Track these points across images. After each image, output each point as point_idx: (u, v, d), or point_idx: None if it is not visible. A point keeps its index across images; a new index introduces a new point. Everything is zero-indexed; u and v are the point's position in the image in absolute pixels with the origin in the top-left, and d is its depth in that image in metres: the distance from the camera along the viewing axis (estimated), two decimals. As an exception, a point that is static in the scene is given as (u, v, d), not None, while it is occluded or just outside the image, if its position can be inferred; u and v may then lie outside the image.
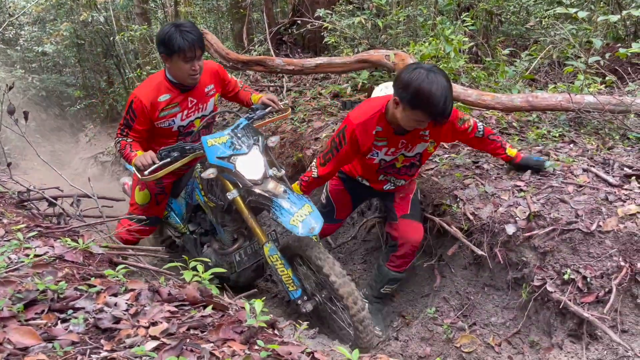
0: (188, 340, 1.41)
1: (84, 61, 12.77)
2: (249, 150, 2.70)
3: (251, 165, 2.69)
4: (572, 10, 3.75)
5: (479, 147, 3.09)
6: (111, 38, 11.41)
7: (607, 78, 4.29)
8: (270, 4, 6.64)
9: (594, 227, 2.56)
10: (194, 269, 1.88)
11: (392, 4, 5.60)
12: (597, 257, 2.50)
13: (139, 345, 1.32)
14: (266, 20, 6.65)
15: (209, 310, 1.61)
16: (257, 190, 2.66)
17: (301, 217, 2.51)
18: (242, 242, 3.17)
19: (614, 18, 3.72)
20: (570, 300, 2.48)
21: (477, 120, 2.92)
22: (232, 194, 2.74)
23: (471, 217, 2.94)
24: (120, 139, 2.94)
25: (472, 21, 5.47)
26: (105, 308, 1.56)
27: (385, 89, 4.10)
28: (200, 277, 1.81)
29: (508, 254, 2.81)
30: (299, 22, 6.41)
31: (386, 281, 3.07)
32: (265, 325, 1.54)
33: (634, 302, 2.35)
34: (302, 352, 1.41)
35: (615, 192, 2.69)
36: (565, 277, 2.52)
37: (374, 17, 5.43)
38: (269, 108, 3.12)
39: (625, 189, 2.70)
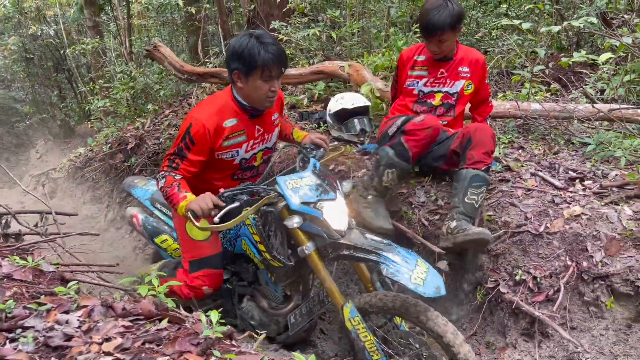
0: (143, 354, 1.39)
1: (33, 75, 12.42)
2: (336, 196, 2.28)
3: (337, 213, 2.24)
4: (516, 22, 3.90)
5: (473, 110, 3.36)
6: (62, 52, 11.14)
7: (552, 86, 4.48)
8: (225, 17, 6.64)
9: (542, 228, 2.66)
10: (150, 282, 1.86)
11: (346, 17, 5.70)
12: (545, 257, 2.60)
13: (91, 362, 1.29)
14: (221, 32, 6.64)
15: (164, 323, 1.59)
16: (354, 242, 2.17)
17: (421, 274, 2.03)
18: (297, 301, 2.68)
19: (556, 29, 3.90)
20: (522, 301, 2.56)
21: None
22: (308, 248, 2.23)
23: (426, 223, 3.01)
24: (167, 172, 2.33)
25: (424, 33, 5.62)
26: (56, 326, 1.52)
27: (341, 100, 4.16)
28: (155, 290, 1.79)
29: (464, 258, 2.88)
30: (254, 34, 6.41)
31: (469, 184, 2.75)
32: (222, 336, 1.53)
33: (582, 300, 2.45)
34: (260, 361, 1.42)
35: (561, 194, 2.81)
36: (517, 278, 2.61)
37: (328, 29, 5.51)
38: (322, 149, 2.65)
39: (570, 192, 2.82)
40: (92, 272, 2.28)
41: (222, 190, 2.13)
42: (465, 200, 2.72)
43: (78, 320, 1.58)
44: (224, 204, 2.08)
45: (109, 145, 6.15)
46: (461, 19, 2.88)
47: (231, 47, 2.31)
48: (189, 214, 2.06)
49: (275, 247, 2.39)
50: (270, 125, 2.62)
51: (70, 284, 1.81)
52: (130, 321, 1.62)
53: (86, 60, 11.21)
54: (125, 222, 3.51)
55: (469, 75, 3.09)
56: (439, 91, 3.11)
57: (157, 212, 3.12)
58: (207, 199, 2.07)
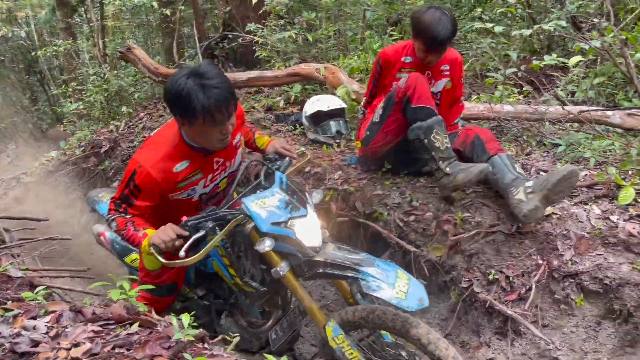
0: (113, 359, 1.37)
1: (3, 78, 12.15)
2: (307, 211, 2.15)
3: (309, 229, 2.11)
4: (489, 25, 3.96)
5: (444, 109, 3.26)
6: (34, 54, 10.93)
7: (524, 88, 4.55)
8: (200, 19, 6.60)
9: (514, 228, 2.70)
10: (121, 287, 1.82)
11: (322, 19, 5.71)
12: (518, 256, 2.64)
13: (58, 368, 1.27)
14: (197, 34, 6.60)
15: (135, 327, 1.57)
16: (330, 259, 2.05)
17: (403, 287, 1.95)
18: (277, 315, 2.55)
19: (527, 32, 3.97)
20: (495, 300, 2.59)
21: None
22: (282, 269, 2.08)
23: (401, 224, 3.03)
24: (116, 215, 2.16)
25: (400, 35, 5.67)
26: (23, 332, 1.48)
27: (317, 102, 4.18)
28: (126, 294, 1.76)
29: (439, 259, 2.90)
30: (229, 36, 6.40)
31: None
32: (194, 339, 1.52)
33: (552, 298, 2.49)
34: (232, 364, 1.40)
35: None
36: (490, 277, 2.64)
37: (304, 31, 5.52)
38: (287, 159, 2.48)
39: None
40: (62, 277, 2.22)
41: (184, 218, 1.97)
42: (517, 172, 2.73)
43: (46, 325, 1.54)
44: (187, 234, 1.94)
45: (82, 148, 6.04)
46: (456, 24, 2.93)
47: (168, 87, 2.00)
48: (152, 250, 1.91)
49: (247, 269, 2.28)
50: (232, 150, 2.36)
51: (37, 289, 1.78)
52: (101, 326, 1.59)
53: (59, 62, 11.03)
54: (93, 235, 3.33)
55: (448, 72, 3.13)
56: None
57: None
58: (168, 231, 1.92)
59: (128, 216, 2.14)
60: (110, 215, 2.18)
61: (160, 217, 2.18)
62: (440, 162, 2.82)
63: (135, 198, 2.13)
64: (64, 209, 6.16)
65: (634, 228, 2.47)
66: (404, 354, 2.16)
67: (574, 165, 2.56)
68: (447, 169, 2.81)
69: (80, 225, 5.76)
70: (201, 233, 1.95)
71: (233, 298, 2.61)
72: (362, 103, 3.42)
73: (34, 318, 1.59)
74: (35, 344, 1.42)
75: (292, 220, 2.07)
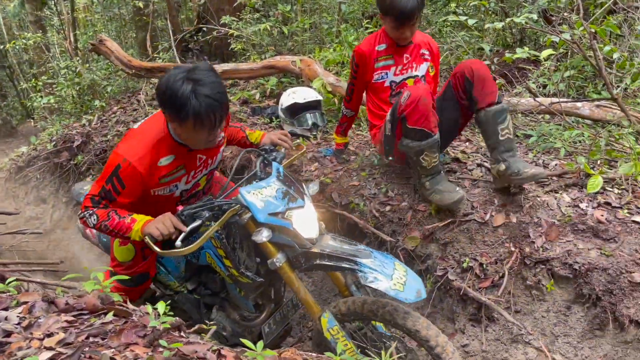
0: (87, 348, 1.36)
1: (-29, 72, 11.84)
2: (305, 202, 2.14)
3: (307, 220, 2.10)
4: (463, 18, 4.01)
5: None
6: (2, 48, 10.66)
7: (497, 81, 4.62)
8: (174, 12, 6.52)
9: (487, 217, 2.75)
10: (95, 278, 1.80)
11: (297, 12, 5.70)
12: (491, 244, 2.68)
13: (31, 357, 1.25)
14: (171, 27, 6.52)
15: (110, 317, 1.56)
16: (327, 250, 2.04)
17: (401, 278, 1.95)
18: (269, 309, 2.53)
19: (499, 25, 4.03)
20: (469, 287, 2.64)
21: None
22: (279, 260, 2.07)
23: (377, 214, 3.05)
24: (94, 209, 2.07)
25: (376, 28, 5.70)
26: (-6, 323, 1.46)
27: (292, 94, 4.18)
28: (100, 285, 1.74)
29: (415, 249, 2.94)
30: (204, 29, 6.34)
31: (496, 122, 2.70)
32: (169, 327, 1.51)
33: (524, 284, 2.54)
34: (209, 350, 1.40)
35: (505, 184, 2.91)
36: (464, 265, 2.69)
37: (280, 24, 5.50)
38: (284, 150, 2.50)
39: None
40: (35, 270, 2.19)
41: (180, 208, 1.98)
42: (500, 138, 2.68)
43: (18, 316, 1.52)
44: (185, 228, 1.92)
45: (54, 143, 5.92)
46: None
47: (162, 85, 1.96)
48: (147, 239, 1.90)
49: (242, 260, 2.26)
50: (215, 148, 2.35)
51: (8, 280, 1.75)
52: (74, 316, 1.58)
53: (28, 56, 10.77)
54: (77, 229, 3.25)
55: (429, 57, 3.10)
56: (410, 76, 3.07)
57: None
58: (167, 223, 1.91)
59: (109, 207, 2.08)
60: (86, 211, 2.09)
61: (138, 212, 2.13)
62: (422, 177, 2.84)
63: (117, 194, 2.07)
64: (36, 205, 6.05)
65: (602, 215, 2.54)
66: (399, 345, 2.17)
67: (541, 170, 2.58)
68: (427, 184, 2.83)
69: (53, 221, 5.67)
70: (197, 223, 1.93)
71: (224, 292, 2.59)
72: (342, 105, 3.38)
73: (6, 309, 1.56)
74: (7, 334, 1.40)
75: (290, 211, 2.06)
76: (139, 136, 2.13)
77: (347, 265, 1.99)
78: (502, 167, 2.66)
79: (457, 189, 2.75)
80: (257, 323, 2.49)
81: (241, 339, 1.47)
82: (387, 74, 3.06)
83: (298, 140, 2.76)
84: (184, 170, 2.23)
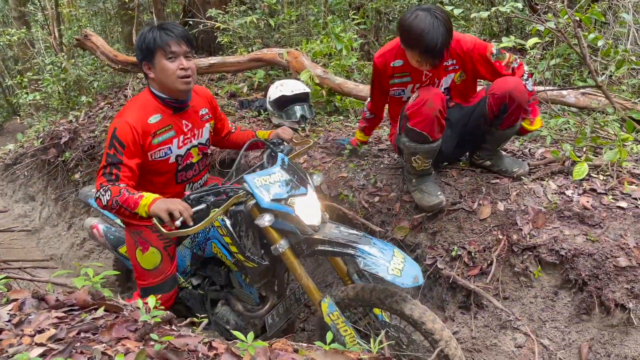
0: (78, 343, 1.36)
1: (-46, 70, 11.69)
2: (307, 190, 2.21)
3: (309, 207, 2.18)
4: (448, 8, 4.02)
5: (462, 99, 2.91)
6: (-15, 44, 10.51)
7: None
8: (159, 5, 6.47)
9: (475, 205, 2.78)
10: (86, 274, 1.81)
11: (283, 4, 5.68)
12: (479, 232, 2.71)
13: (22, 353, 1.26)
14: (156, 21, 6.47)
15: (100, 312, 1.56)
16: (328, 237, 2.12)
17: (399, 264, 2.01)
18: (273, 301, 2.57)
19: (485, 14, 4.05)
20: (458, 275, 2.67)
21: (526, 69, 2.69)
22: (282, 245, 2.16)
23: (366, 205, 3.07)
24: (109, 185, 2.16)
25: (363, 19, 5.69)
26: (-16, 321, 1.46)
27: (280, 87, 4.17)
28: (91, 280, 1.75)
29: (404, 238, 2.96)
30: (190, 22, 6.30)
31: (504, 140, 2.82)
32: (160, 321, 1.52)
33: (512, 271, 2.58)
34: (200, 342, 1.41)
35: (490, 172, 2.94)
36: (453, 253, 2.71)
37: (266, 16, 5.48)
38: (290, 144, 2.63)
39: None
40: (25, 268, 2.18)
41: (187, 192, 2.08)
42: (498, 149, 2.89)
43: (8, 313, 1.52)
44: (192, 210, 1.99)
45: (41, 140, 5.87)
46: (451, 25, 2.51)
47: (137, 41, 2.33)
48: (155, 220, 1.97)
49: (247, 247, 2.31)
50: (199, 120, 2.55)
51: (-2, 277, 1.75)
52: (65, 312, 1.58)
53: (13, 52, 10.63)
54: (85, 232, 3.29)
55: (457, 67, 2.74)
56: None
57: (119, 221, 2.96)
58: (177, 205, 1.97)
59: (122, 184, 2.18)
60: (101, 188, 2.17)
61: (145, 188, 2.30)
62: (409, 175, 2.88)
63: (121, 156, 2.21)
64: (24, 203, 6.01)
65: (588, 201, 2.57)
66: (397, 333, 2.23)
67: (526, 167, 2.85)
68: (414, 181, 2.87)
69: (42, 218, 5.64)
70: (202, 206, 2.03)
71: (229, 287, 2.64)
72: (366, 102, 3.23)
73: (-5, 307, 1.56)
74: (-2, 332, 1.40)
75: (292, 198, 2.14)
76: (128, 105, 2.39)
77: (347, 251, 2.06)
78: (488, 163, 2.90)
79: (439, 193, 2.79)
80: (261, 314, 2.53)
81: (232, 331, 1.48)
82: (403, 91, 2.84)
83: (307, 136, 2.81)
84: (173, 132, 2.40)
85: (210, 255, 2.52)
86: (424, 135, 2.61)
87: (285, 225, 2.16)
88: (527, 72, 2.67)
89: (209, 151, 2.71)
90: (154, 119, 2.33)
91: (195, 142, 2.53)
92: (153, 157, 2.36)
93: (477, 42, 2.67)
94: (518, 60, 2.67)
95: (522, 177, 2.82)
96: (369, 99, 3.17)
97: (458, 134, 2.87)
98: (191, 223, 1.97)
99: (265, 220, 2.08)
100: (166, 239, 2.50)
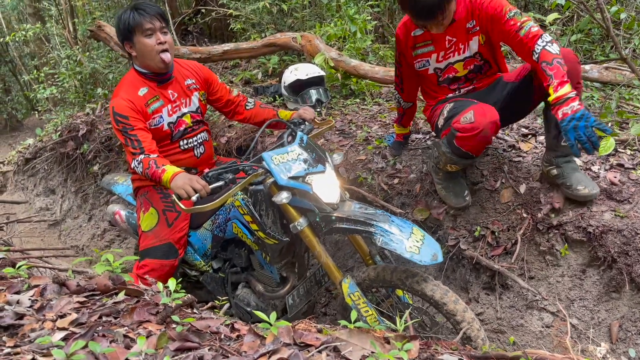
0: (100, 327, 1.35)
1: (-27, 69, 11.84)
2: (326, 168, 2.20)
3: (327, 185, 2.17)
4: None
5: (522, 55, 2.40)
6: (2, 41, 10.61)
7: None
8: (172, -6, 6.45)
9: (498, 184, 2.71)
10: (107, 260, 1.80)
11: (296, -12, 5.61)
12: (502, 212, 2.65)
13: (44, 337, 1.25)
14: (169, 10, 6.44)
15: (121, 296, 1.55)
16: (346, 215, 2.10)
17: (417, 242, 1.98)
18: (293, 282, 2.55)
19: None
20: (482, 256, 2.62)
21: (543, 32, 2.20)
22: (300, 224, 2.15)
23: (385, 187, 3.02)
24: (140, 159, 2.34)
25: (376, 2, 5.60)
26: (7, 306, 1.45)
27: (295, 71, 4.13)
28: (111, 266, 1.74)
29: (426, 220, 2.91)
30: (202, 11, 6.27)
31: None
32: (181, 303, 1.50)
33: (538, 250, 2.52)
34: (222, 324, 1.39)
35: (514, 150, 2.86)
36: (476, 234, 2.66)
37: (279, 1, 5.42)
38: (312, 123, 2.61)
39: (522, 147, 2.88)
40: (46, 257, 2.19)
41: (206, 170, 2.11)
42: (562, 143, 2.41)
43: (30, 299, 1.52)
44: (209, 187, 2.04)
45: (59, 133, 5.90)
46: None
47: (115, 25, 2.54)
48: (174, 197, 2.07)
49: (268, 225, 2.32)
50: (185, 90, 2.69)
51: (19, 264, 1.74)
52: (86, 297, 1.57)
53: (29, 48, 10.74)
54: (107, 218, 3.38)
55: (477, 28, 2.44)
56: (457, 60, 2.56)
57: None
58: (195, 183, 2.05)
59: (152, 155, 2.36)
60: (134, 163, 2.37)
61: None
62: (438, 169, 2.72)
63: (129, 125, 2.41)
64: (45, 196, 6.07)
65: (615, 177, 2.50)
66: (419, 315, 2.19)
67: (596, 190, 2.39)
68: (440, 175, 2.74)
69: (63, 211, 5.69)
70: (220, 183, 2.06)
71: (250, 268, 2.67)
72: (395, 93, 2.98)
73: (17, 293, 1.56)
74: (20, 316, 1.40)
75: (310, 175, 2.13)
76: (117, 87, 2.59)
77: (365, 228, 2.03)
78: (554, 172, 2.48)
79: (466, 194, 2.67)
80: (282, 294, 2.52)
81: (255, 311, 1.46)
82: (428, 61, 2.61)
83: (328, 117, 2.77)
84: (162, 101, 2.59)
85: (230, 236, 2.55)
86: (468, 155, 2.42)
87: (304, 203, 2.15)
88: (546, 39, 2.15)
89: (203, 118, 2.83)
90: (142, 91, 2.53)
91: (185, 110, 2.68)
92: (151, 125, 2.54)
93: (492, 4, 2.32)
94: (529, 25, 2.22)
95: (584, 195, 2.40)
96: (394, 85, 2.95)
97: (500, 109, 2.37)
98: (194, 197, 2.02)
99: (283, 197, 2.09)
100: (169, 203, 2.62)
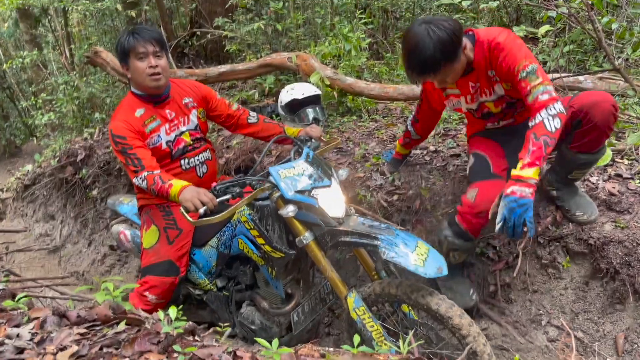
0: (101, 359, 1.34)
1: (-29, 97, 11.88)
2: (331, 183, 2.22)
3: (333, 200, 2.18)
4: (456, 0, 3.96)
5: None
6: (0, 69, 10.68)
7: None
8: (166, 18, 6.50)
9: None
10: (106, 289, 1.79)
11: (290, 8, 5.66)
12: (503, 225, 2.64)
13: (44, 372, 1.23)
14: (164, 34, 6.49)
15: (122, 326, 1.54)
16: (352, 228, 2.12)
17: (422, 256, 1.98)
18: (298, 298, 2.56)
19: (494, 4, 3.98)
20: (484, 271, 2.61)
21: (552, 101, 2.04)
22: (306, 238, 2.16)
23: (385, 204, 3.02)
24: (143, 176, 2.39)
25: (370, 19, 5.66)
26: (7, 340, 1.44)
27: (291, 90, 4.14)
28: (111, 294, 1.72)
29: (428, 236, 2.90)
30: (198, 33, 6.32)
31: (574, 166, 2.33)
32: (183, 332, 1.49)
33: (540, 263, 2.51)
34: (224, 352, 1.38)
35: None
36: (478, 250, 2.65)
37: (273, 22, 5.47)
38: (319, 141, 2.64)
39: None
40: (46, 286, 2.18)
41: (214, 184, 2.15)
42: (569, 177, 2.39)
43: (30, 332, 1.50)
44: (216, 200, 2.10)
45: (58, 159, 5.92)
46: (451, 44, 2.09)
47: (116, 45, 2.61)
48: (182, 210, 2.11)
49: (274, 239, 2.33)
50: (183, 108, 2.74)
51: (18, 296, 1.73)
52: (86, 328, 1.56)
53: (27, 75, 10.78)
54: (112, 238, 3.44)
55: (498, 78, 2.29)
56: (487, 101, 2.42)
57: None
58: (202, 196, 2.10)
59: (156, 171, 2.40)
60: (137, 181, 2.42)
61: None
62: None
63: (127, 144, 2.46)
64: (45, 222, 6.06)
65: (614, 187, 2.50)
66: (425, 331, 2.18)
67: (596, 214, 2.39)
68: (441, 280, 2.60)
69: (63, 236, 5.68)
70: (228, 196, 2.12)
71: (255, 286, 2.66)
72: (410, 119, 2.89)
73: (17, 326, 1.54)
74: (20, 351, 1.38)
75: (316, 189, 2.16)
76: (115, 110, 2.65)
77: (370, 242, 2.04)
78: (554, 193, 2.48)
79: (472, 292, 2.55)
80: (287, 311, 2.52)
81: (256, 338, 1.45)
82: (459, 102, 2.51)
83: (335, 136, 2.81)
84: (159, 121, 2.63)
85: (236, 252, 2.56)
86: (467, 235, 2.39)
87: (310, 217, 2.17)
88: (550, 112, 2.03)
89: (204, 136, 2.87)
90: (139, 112, 2.59)
91: (183, 128, 2.72)
92: (150, 145, 2.59)
93: (510, 52, 2.14)
94: (552, 92, 2.07)
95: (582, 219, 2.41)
96: (412, 116, 2.86)
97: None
98: (202, 210, 2.07)
99: (289, 210, 2.11)
100: (170, 221, 2.68)
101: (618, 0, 4.49)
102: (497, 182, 2.28)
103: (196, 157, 2.75)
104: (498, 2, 4.07)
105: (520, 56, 2.13)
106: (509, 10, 5.43)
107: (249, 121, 2.91)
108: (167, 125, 2.66)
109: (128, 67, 2.57)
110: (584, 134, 2.17)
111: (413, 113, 2.86)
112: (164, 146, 2.64)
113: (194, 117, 2.78)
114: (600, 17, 3.47)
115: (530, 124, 2.06)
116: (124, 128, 2.48)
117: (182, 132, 2.71)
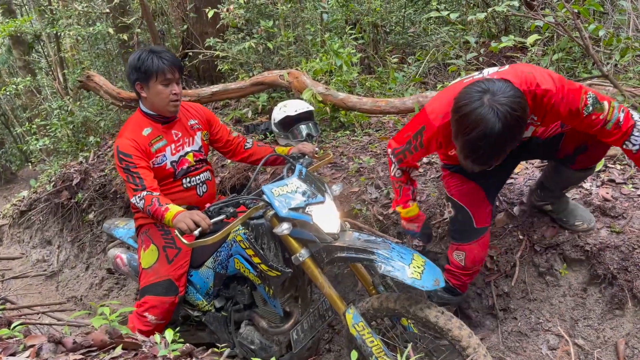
0: (98, 385, 1.33)
1: (-35, 124, 11.89)
2: (325, 199, 2.21)
3: (327, 216, 2.17)
4: (444, 13, 4.00)
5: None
6: (-7, 95, 10.70)
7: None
8: (158, 40, 6.54)
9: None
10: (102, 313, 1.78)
11: (280, 27, 5.71)
12: (499, 235, 2.65)
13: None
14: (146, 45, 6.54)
15: (118, 350, 1.53)
16: (347, 244, 2.10)
17: (418, 268, 1.95)
18: (297, 316, 2.54)
19: (481, 16, 4.02)
20: (482, 281, 2.60)
21: (636, 117, 1.92)
22: (302, 255, 2.15)
23: (380, 218, 3.02)
24: (142, 195, 2.39)
25: (360, 34, 5.71)
26: (2, 370, 1.43)
27: (284, 107, 4.17)
28: (108, 319, 1.71)
29: (424, 249, 2.90)
30: (190, 54, 6.36)
31: (573, 182, 2.36)
32: (179, 354, 1.48)
33: (537, 271, 2.51)
34: (221, 374, 1.37)
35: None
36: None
37: (264, 40, 5.51)
38: (311, 157, 2.66)
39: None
40: (42, 312, 2.16)
41: (208, 205, 2.14)
42: (564, 192, 2.42)
43: (25, 360, 1.49)
44: (210, 220, 2.07)
45: (53, 184, 5.91)
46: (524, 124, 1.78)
47: (129, 62, 2.53)
48: (177, 232, 2.08)
49: (270, 258, 2.32)
50: (189, 129, 2.77)
51: (14, 324, 1.72)
52: (83, 354, 1.54)
53: (21, 101, 10.82)
54: (108, 263, 3.39)
55: (538, 123, 2.04)
56: None
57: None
58: (194, 215, 2.09)
59: (155, 193, 2.40)
60: (135, 199, 2.42)
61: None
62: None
63: (132, 163, 2.46)
64: (42, 247, 6.03)
65: (608, 192, 2.51)
66: (425, 344, 2.18)
67: (593, 223, 2.40)
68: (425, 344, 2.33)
69: (60, 261, 5.64)
70: (221, 217, 2.09)
71: (253, 305, 2.65)
72: (393, 171, 2.43)
73: (13, 354, 1.53)
74: (16, 380, 1.37)
75: (310, 206, 2.14)
76: (123, 127, 2.66)
77: (366, 256, 2.02)
78: (549, 207, 2.48)
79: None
80: (286, 329, 2.50)
81: (254, 359, 1.44)
82: None
83: (328, 151, 2.80)
84: (165, 141, 2.64)
85: (233, 272, 2.54)
86: (457, 291, 2.46)
87: (305, 234, 2.16)
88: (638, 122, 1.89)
89: (205, 157, 2.88)
90: (146, 131, 2.59)
91: (188, 149, 2.74)
92: (155, 164, 2.60)
93: (567, 93, 1.87)
94: (623, 107, 1.92)
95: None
96: (395, 168, 2.40)
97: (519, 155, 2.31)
98: (196, 232, 2.03)
99: (284, 228, 2.09)
100: (170, 240, 2.66)
101: (604, 7, 4.54)
102: (482, 239, 2.34)
103: (197, 177, 2.77)
104: (486, 14, 4.10)
105: (577, 96, 1.91)
106: (497, 21, 5.50)
107: (245, 147, 2.94)
108: (172, 146, 2.68)
109: (145, 86, 2.54)
110: (589, 156, 2.16)
111: (394, 149, 2.35)
112: (169, 166, 2.66)
113: (198, 139, 2.81)
114: (586, 25, 3.51)
115: (635, 148, 1.91)
116: (130, 146, 2.48)
117: (186, 153, 2.73)
